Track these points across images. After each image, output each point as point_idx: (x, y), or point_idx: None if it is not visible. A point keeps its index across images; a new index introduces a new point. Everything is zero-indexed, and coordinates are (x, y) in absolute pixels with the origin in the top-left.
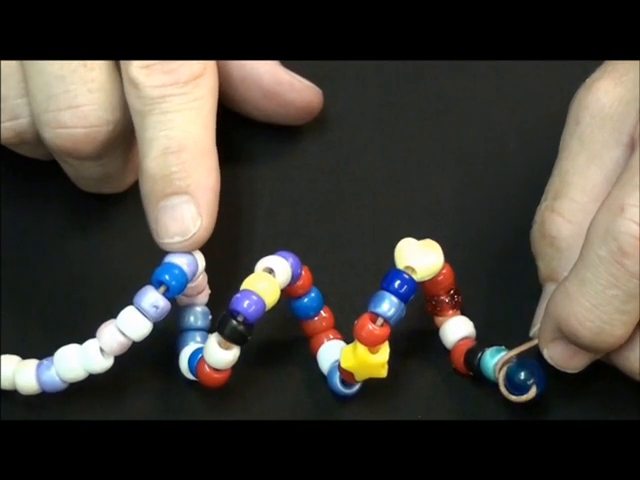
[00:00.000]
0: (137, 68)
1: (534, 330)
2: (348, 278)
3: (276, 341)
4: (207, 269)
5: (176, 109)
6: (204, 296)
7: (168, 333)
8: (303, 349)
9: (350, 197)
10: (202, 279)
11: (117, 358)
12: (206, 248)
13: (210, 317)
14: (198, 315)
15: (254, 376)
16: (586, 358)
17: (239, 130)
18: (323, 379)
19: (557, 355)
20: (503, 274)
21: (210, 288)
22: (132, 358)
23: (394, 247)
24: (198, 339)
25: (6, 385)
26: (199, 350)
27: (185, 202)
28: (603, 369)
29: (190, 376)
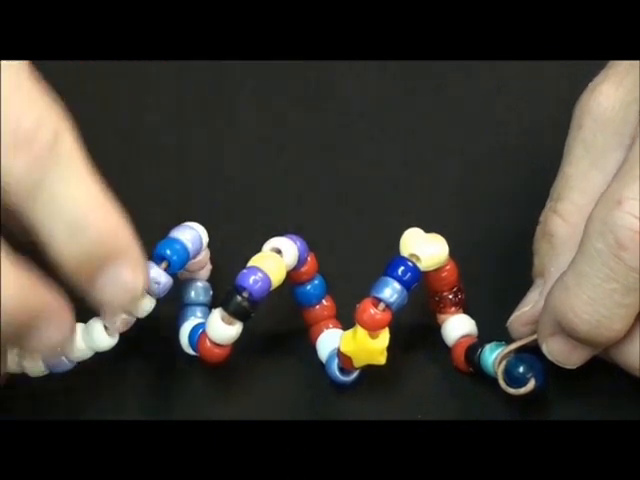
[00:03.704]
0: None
1: (512, 318)
2: (350, 273)
3: (274, 333)
4: (210, 245)
5: (58, 185)
6: (206, 271)
7: (168, 306)
8: (302, 340)
9: (351, 197)
10: (204, 255)
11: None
12: (209, 225)
13: (211, 293)
14: (199, 290)
15: (252, 367)
16: (585, 353)
17: (238, 130)
18: (322, 370)
19: (556, 350)
20: (505, 273)
21: (212, 264)
22: (133, 339)
23: (396, 244)
24: (199, 314)
25: (13, 368)
26: (200, 325)
27: (119, 269)
28: (605, 368)
29: (190, 351)
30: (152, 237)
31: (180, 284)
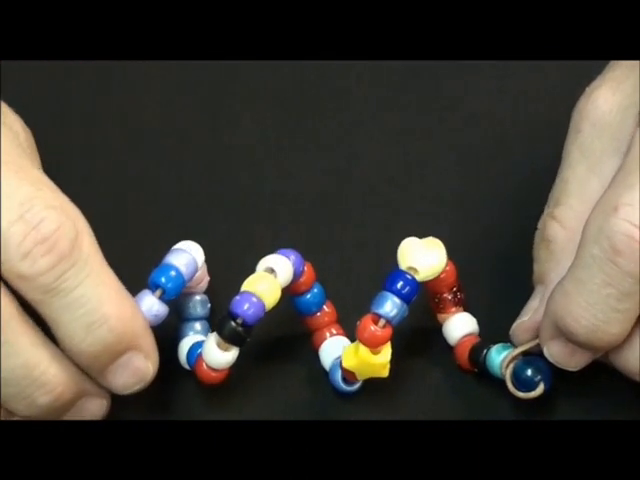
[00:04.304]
0: (19, 262)
1: (513, 326)
2: (350, 273)
3: (277, 337)
4: (207, 253)
5: (78, 283)
6: (203, 284)
7: (166, 320)
8: (304, 345)
9: (352, 195)
10: (201, 271)
11: None
12: (206, 232)
13: (209, 305)
14: (197, 304)
15: (255, 372)
16: (585, 356)
17: (238, 130)
18: (325, 375)
19: (557, 353)
20: (505, 271)
21: (210, 275)
22: None
23: (396, 244)
24: (198, 327)
25: None
26: (198, 344)
27: (132, 357)
28: (607, 369)
29: (188, 367)
30: (150, 238)
31: (178, 298)
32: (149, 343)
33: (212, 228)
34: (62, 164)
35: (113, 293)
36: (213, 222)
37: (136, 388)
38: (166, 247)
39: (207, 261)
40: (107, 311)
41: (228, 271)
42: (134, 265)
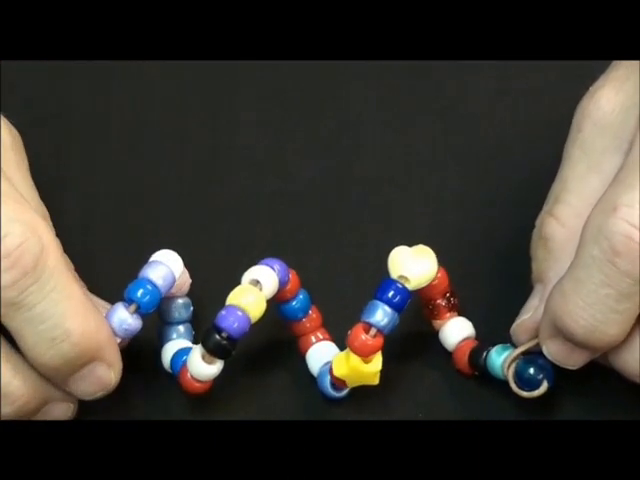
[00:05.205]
0: None
1: (514, 325)
2: (342, 276)
3: (263, 343)
4: (205, 257)
5: (41, 298)
6: (185, 288)
7: (149, 322)
8: (290, 350)
9: (349, 197)
10: (182, 277)
11: None
12: (205, 236)
13: (192, 308)
14: (180, 307)
15: (241, 379)
16: (584, 355)
17: (238, 130)
18: (312, 381)
19: (555, 351)
20: (505, 272)
21: (193, 278)
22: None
23: (395, 244)
24: (181, 330)
25: None
26: (183, 351)
27: (95, 367)
28: (607, 370)
29: (171, 372)
30: (150, 237)
31: (160, 302)
32: (113, 353)
33: (212, 228)
34: (62, 164)
35: (78, 308)
36: (213, 222)
37: (98, 395)
38: (166, 246)
39: (205, 262)
40: (70, 326)
41: (226, 271)
42: (134, 265)
